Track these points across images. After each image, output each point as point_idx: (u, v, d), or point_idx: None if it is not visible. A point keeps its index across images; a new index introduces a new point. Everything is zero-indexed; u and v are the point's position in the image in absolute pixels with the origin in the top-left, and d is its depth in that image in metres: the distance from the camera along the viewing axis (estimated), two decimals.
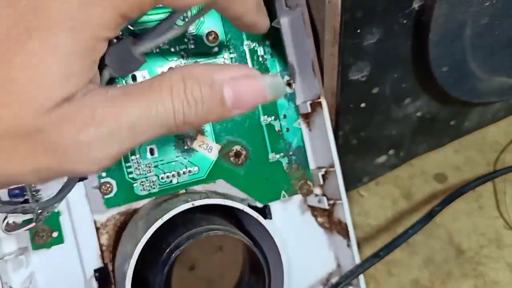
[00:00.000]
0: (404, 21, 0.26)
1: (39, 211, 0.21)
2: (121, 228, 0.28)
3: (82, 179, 0.26)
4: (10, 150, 0.13)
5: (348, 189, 0.36)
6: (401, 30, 0.26)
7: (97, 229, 0.27)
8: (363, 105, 0.30)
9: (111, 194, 0.26)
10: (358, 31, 0.25)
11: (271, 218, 0.29)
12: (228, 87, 0.14)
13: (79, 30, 0.13)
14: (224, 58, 0.28)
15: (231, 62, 0.28)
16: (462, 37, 0.27)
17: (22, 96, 0.13)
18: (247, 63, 0.28)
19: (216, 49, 0.28)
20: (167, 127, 0.14)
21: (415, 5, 0.25)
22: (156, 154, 0.27)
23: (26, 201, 0.23)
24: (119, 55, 0.22)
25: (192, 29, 0.27)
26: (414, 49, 0.28)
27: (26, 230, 0.22)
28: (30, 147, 0.13)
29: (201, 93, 0.14)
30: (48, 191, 0.25)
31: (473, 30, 0.27)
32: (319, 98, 0.29)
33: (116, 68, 0.22)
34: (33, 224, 0.21)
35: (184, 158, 0.27)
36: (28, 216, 0.23)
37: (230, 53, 0.28)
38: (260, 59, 0.29)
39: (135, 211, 0.28)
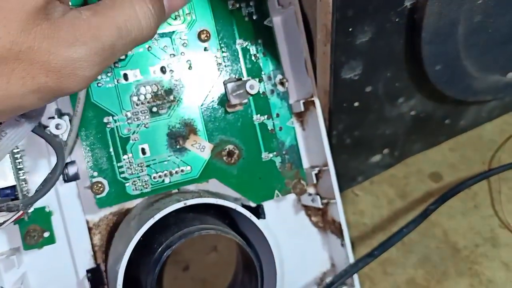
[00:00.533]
0: (397, 20, 0.26)
1: (24, 207, 0.21)
2: (113, 228, 0.28)
3: (74, 179, 0.26)
4: (7, 72, 0.15)
5: (342, 188, 0.36)
6: (394, 28, 0.26)
7: (90, 229, 0.27)
8: (356, 104, 0.30)
9: (103, 194, 0.26)
10: (350, 29, 0.25)
11: (264, 218, 0.29)
12: None
13: None
14: (217, 57, 0.28)
15: (223, 61, 0.28)
16: (455, 35, 0.27)
17: (5, 19, 0.14)
18: (239, 62, 0.28)
19: (208, 47, 0.28)
20: (136, 35, 0.17)
21: (407, 3, 0.25)
22: (148, 154, 0.26)
23: (16, 199, 0.23)
24: None
25: (184, 28, 0.27)
26: (407, 48, 0.28)
27: (13, 220, 0.22)
28: (25, 67, 0.15)
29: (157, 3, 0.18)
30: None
31: (466, 28, 0.27)
32: (312, 97, 0.29)
33: None
34: (20, 212, 0.21)
35: (177, 157, 0.27)
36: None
37: (223, 51, 0.28)
38: (253, 58, 0.28)
39: (127, 211, 0.28)
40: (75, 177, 0.26)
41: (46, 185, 0.22)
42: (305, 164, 0.30)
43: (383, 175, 0.37)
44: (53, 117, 0.24)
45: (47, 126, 0.23)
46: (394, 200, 0.37)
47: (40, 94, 0.16)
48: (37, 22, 0.15)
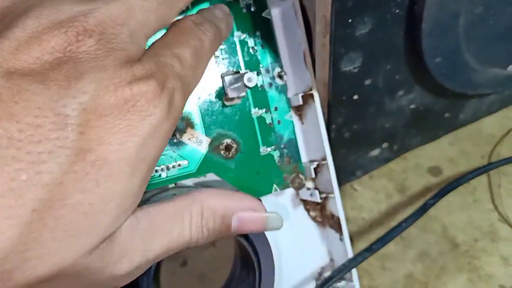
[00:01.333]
0: (397, 11, 0.25)
1: None
2: None
3: None
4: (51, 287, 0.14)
5: (341, 183, 0.36)
6: (394, 20, 0.26)
7: None
8: (355, 97, 0.29)
9: None
10: (350, 20, 0.24)
11: None
12: (236, 217, 0.18)
13: (139, 171, 0.14)
14: None
15: (221, 54, 0.27)
16: (456, 27, 0.27)
17: (76, 239, 0.13)
18: (237, 54, 0.28)
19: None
20: (179, 249, 0.17)
21: None
22: None
23: None
24: None
25: None
26: (407, 40, 0.27)
27: None
28: (69, 283, 0.14)
29: (214, 224, 0.18)
30: None
31: (466, 20, 0.27)
32: (311, 90, 0.29)
33: None
34: None
35: (173, 151, 0.27)
36: None
37: (220, 44, 0.27)
38: (251, 50, 0.28)
39: None
40: None
41: None
42: (304, 158, 0.30)
43: (382, 169, 0.37)
44: None
45: None
46: (393, 194, 0.36)
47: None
48: (103, 243, 0.14)
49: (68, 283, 0.14)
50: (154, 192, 0.27)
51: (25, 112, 0.12)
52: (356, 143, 0.33)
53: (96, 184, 0.13)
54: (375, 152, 0.35)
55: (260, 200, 0.20)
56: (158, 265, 0.29)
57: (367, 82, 0.29)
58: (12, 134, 0.12)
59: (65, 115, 0.13)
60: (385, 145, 0.35)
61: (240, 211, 0.18)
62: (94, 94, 0.13)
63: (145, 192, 0.27)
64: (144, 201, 0.27)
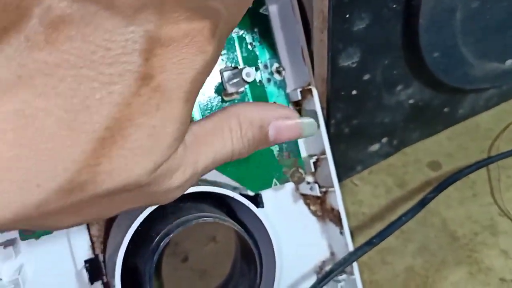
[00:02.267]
0: (394, 6, 0.26)
1: None
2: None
3: None
4: (115, 201, 0.15)
5: (341, 178, 0.36)
6: (391, 14, 0.26)
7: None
8: (354, 92, 0.30)
9: None
10: (347, 16, 0.25)
11: (263, 207, 0.29)
12: (272, 126, 0.19)
13: (190, 100, 0.15)
14: None
15: None
16: (453, 21, 0.27)
17: (141, 157, 0.14)
18: (235, 50, 0.28)
19: None
20: (225, 161, 0.18)
21: None
22: None
23: None
24: None
25: None
26: (404, 35, 0.28)
27: None
28: (133, 197, 0.15)
29: (253, 134, 0.18)
30: None
31: (463, 15, 0.27)
32: (309, 85, 0.29)
33: None
34: None
35: None
36: None
37: None
38: (249, 46, 0.28)
39: None
40: None
41: None
42: (303, 152, 0.30)
43: (381, 164, 0.37)
44: None
45: None
46: (393, 189, 0.36)
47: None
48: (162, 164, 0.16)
49: (131, 196, 0.15)
50: None
51: (96, 34, 0.13)
52: (355, 138, 0.33)
53: (157, 108, 0.14)
54: (375, 147, 0.35)
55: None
56: (159, 260, 0.29)
57: (366, 77, 0.29)
58: (86, 55, 0.13)
59: (133, 40, 0.14)
60: (384, 140, 0.35)
61: (274, 120, 0.19)
62: (158, 24, 0.14)
63: None
64: None
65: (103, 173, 0.14)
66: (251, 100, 0.28)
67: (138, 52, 0.14)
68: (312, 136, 0.21)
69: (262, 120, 0.19)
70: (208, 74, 0.16)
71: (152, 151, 0.15)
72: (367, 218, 0.35)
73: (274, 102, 0.20)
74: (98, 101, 0.13)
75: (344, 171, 0.36)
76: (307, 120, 0.20)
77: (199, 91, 0.16)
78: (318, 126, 0.21)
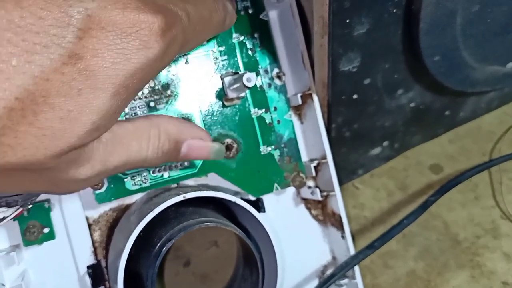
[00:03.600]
0: (394, 10, 0.26)
1: (23, 203, 0.21)
2: (113, 224, 0.28)
3: None
4: (14, 179, 0.14)
5: (342, 181, 0.36)
6: (391, 19, 0.26)
7: (90, 225, 0.27)
8: (355, 96, 0.30)
9: (102, 189, 0.26)
10: (347, 21, 0.25)
11: (264, 211, 0.29)
12: (186, 144, 0.20)
13: (120, 96, 0.15)
14: (213, 52, 0.28)
15: (220, 56, 0.28)
16: (453, 25, 0.27)
17: (49, 140, 0.14)
18: (236, 56, 0.28)
19: (205, 42, 0.27)
20: (135, 166, 0.18)
21: None
22: None
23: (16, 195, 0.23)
24: None
25: None
26: (405, 39, 0.28)
27: (14, 217, 0.22)
28: (33, 178, 0.15)
29: (168, 147, 0.19)
30: None
31: (464, 18, 0.27)
32: (309, 90, 0.29)
33: None
34: (20, 209, 0.21)
35: None
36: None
37: (219, 46, 0.28)
38: (250, 52, 0.28)
39: (127, 206, 0.28)
40: None
41: None
42: (304, 157, 0.30)
43: (383, 167, 0.37)
44: None
45: None
46: (394, 192, 0.36)
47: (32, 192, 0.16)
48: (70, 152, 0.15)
49: (32, 177, 0.15)
50: (157, 192, 0.28)
51: (31, 1, 0.13)
52: (356, 142, 0.33)
53: (78, 92, 0.14)
54: (376, 150, 0.35)
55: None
56: (161, 265, 0.29)
57: (366, 81, 0.29)
58: (13, 18, 0.12)
59: (69, 15, 0.13)
60: (385, 143, 0.35)
61: (190, 138, 0.20)
62: (102, 5, 0.13)
63: (148, 192, 0.28)
64: (148, 200, 0.27)
65: (6, 146, 0.13)
66: (251, 106, 0.28)
67: (72, 28, 0.13)
68: (219, 160, 0.23)
69: (179, 136, 0.19)
70: (150, 76, 0.15)
71: (61, 137, 0.14)
72: (368, 221, 0.35)
73: (191, 122, 0.22)
74: (13, 68, 0.12)
75: (345, 175, 0.36)
76: (217, 146, 0.22)
77: (136, 91, 0.15)
78: (225, 151, 0.24)
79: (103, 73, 0.14)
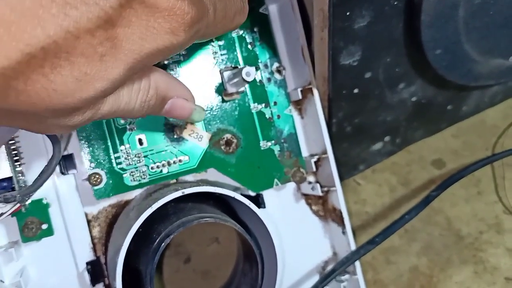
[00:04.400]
0: (395, 3, 0.25)
1: (21, 198, 0.21)
2: (112, 221, 0.28)
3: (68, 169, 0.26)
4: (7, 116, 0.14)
5: (344, 177, 0.36)
6: (393, 11, 0.26)
7: (89, 221, 0.27)
8: (356, 90, 0.29)
9: (101, 185, 0.25)
10: (348, 13, 0.24)
11: (264, 207, 0.29)
12: (171, 101, 0.20)
13: (133, 70, 0.15)
14: (213, 46, 0.27)
15: (219, 50, 0.28)
16: (456, 18, 0.27)
17: (56, 95, 0.14)
18: (235, 50, 0.28)
19: None
20: (121, 115, 0.18)
21: None
22: (145, 144, 0.26)
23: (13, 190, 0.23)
24: None
25: None
26: (406, 32, 0.27)
27: (11, 212, 0.22)
28: (20, 117, 0.14)
29: (154, 102, 0.19)
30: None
31: (466, 11, 0.27)
32: (310, 84, 0.29)
33: None
34: (18, 205, 0.21)
35: (174, 147, 0.27)
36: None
37: (218, 40, 0.27)
38: (249, 46, 0.28)
39: (126, 203, 0.28)
40: (72, 167, 0.26)
41: (42, 176, 0.22)
42: (304, 152, 0.30)
43: (385, 162, 0.37)
44: None
45: None
46: (397, 188, 0.36)
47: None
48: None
49: (20, 116, 0.14)
50: (156, 188, 0.27)
51: None
52: (358, 137, 0.33)
53: (100, 58, 0.14)
54: (378, 145, 0.35)
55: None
56: (160, 262, 0.29)
57: (367, 75, 0.29)
58: None
59: None
60: (387, 138, 0.35)
61: (176, 97, 0.20)
62: None
63: (147, 188, 0.27)
64: (147, 196, 0.27)
65: (13, 89, 0.13)
66: (251, 100, 0.28)
67: None
68: (198, 122, 0.23)
69: (166, 93, 0.19)
70: (163, 58, 0.16)
71: (70, 96, 0.14)
72: (370, 217, 0.35)
73: (178, 80, 0.21)
74: (50, 16, 0.12)
75: (346, 170, 0.35)
76: (199, 108, 0.22)
77: (144, 69, 0.16)
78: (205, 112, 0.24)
79: (128, 46, 0.14)
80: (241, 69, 0.26)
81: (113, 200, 0.27)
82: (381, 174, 0.37)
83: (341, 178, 0.35)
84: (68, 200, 0.26)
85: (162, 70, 0.19)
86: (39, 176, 0.22)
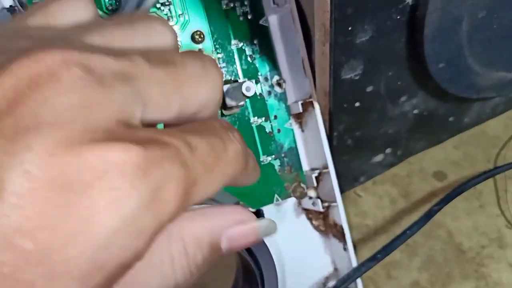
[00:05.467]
0: (398, 17, 0.25)
1: None
2: None
3: None
4: None
5: (344, 189, 0.35)
6: (395, 26, 0.25)
7: None
8: (357, 104, 0.29)
9: None
10: (350, 28, 0.24)
11: None
12: (225, 237, 0.14)
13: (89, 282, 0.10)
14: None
15: (219, 63, 0.27)
16: (459, 31, 0.26)
17: None
18: (235, 63, 0.27)
19: (202, 49, 0.27)
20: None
21: (408, 0, 0.24)
22: None
23: None
24: None
25: (177, 29, 0.26)
26: (409, 46, 0.27)
27: None
28: None
29: (203, 256, 0.14)
30: None
31: (470, 24, 0.26)
32: (310, 97, 0.28)
33: None
34: None
35: None
36: None
37: (217, 53, 0.27)
38: (249, 58, 0.28)
39: None
40: None
41: None
42: (305, 166, 0.30)
43: (386, 174, 0.36)
44: None
45: None
46: (397, 200, 0.36)
47: None
48: None
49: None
50: None
51: None
52: (358, 150, 0.33)
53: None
54: (379, 157, 0.35)
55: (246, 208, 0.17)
56: None
57: (369, 89, 0.28)
58: None
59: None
60: (388, 150, 0.34)
61: (227, 229, 0.14)
62: (44, 154, 0.09)
63: None
64: None
65: None
66: (251, 114, 0.28)
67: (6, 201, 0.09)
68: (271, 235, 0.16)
69: (212, 234, 0.14)
70: (139, 237, 0.11)
71: None
72: (371, 230, 0.35)
73: (222, 205, 0.16)
74: None
75: (347, 182, 0.35)
76: (265, 222, 0.16)
77: (124, 265, 0.11)
78: (275, 228, 0.17)
79: (59, 258, 0.09)
80: (241, 83, 0.25)
81: None
82: (381, 186, 0.36)
83: (341, 190, 0.34)
84: None
85: (191, 212, 0.14)
86: None
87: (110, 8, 0.25)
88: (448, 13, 0.25)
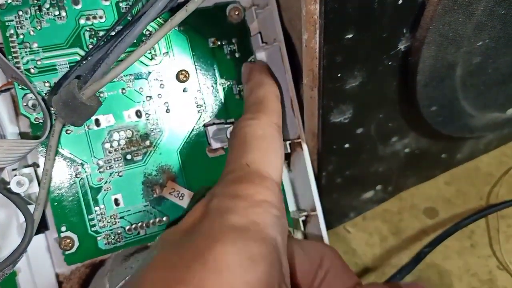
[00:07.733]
0: (389, 63, 0.24)
1: None
2: (86, 281, 0.26)
3: (41, 231, 0.24)
4: None
5: (333, 225, 0.34)
6: (386, 71, 0.24)
7: (60, 283, 0.25)
8: (346, 145, 0.28)
9: (72, 250, 0.24)
10: (339, 75, 0.23)
11: None
12: None
13: None
14: (196, 98, 0.26)
15: (204, 103, 0.26)
16: (453, 77, 0.26)
17: None
18: (221, 102, 0.26)
19: (187, 88, 0.26)
20: None
21: (401, 46, 0.23)
22: (122, 204, 0.25)
23: None
24: (67, 104, 0.20)
25: (161, 68, 0.25)
26: (400, 90, 0.26)
27: None
28: None
29: None
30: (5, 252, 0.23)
31: (464, 70, 0.25)
32: (299, 138, 0.27)
33: (67, 117, 0.20)
34: None
35: (153, 207, 0.25)
36: None
37: (203, 92, 0.26)
38: (237, 97, 0.27)
39: (101, 262, 0.26)
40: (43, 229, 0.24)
41: (16, 252, 0.20)
42: (291, 206, 0.29)
43: (376, 210, 0.35)
44: (15, 169, 0.22)
45: (8, 183, 0.22)
46: (387, 237, 0.35)
47: None
48: None
49: None
50: (132, 251, 0.26)
51: None
52: (348, 188, 0.32)
53: None
54: (369, 194, 0.34)
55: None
56: None
57: (359, 131, 0.27)
58: None
59: None
60: (379, 187, 0.34)
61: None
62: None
63: (122, 250, 0.26)
64: (122, 261, 0.25)
65: None
66: None
67: None
68: None
69: None
70: None
71: None
72: (360, 268, 0.34)
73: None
74: None
75: (336, 218, 0.34)
76: None
77: None
78: None
79: None
80: (227, 127, 0.24)
81: (87, 261, 0.26)
82: (372, 222, 0.35)
83: (331, 226, 0.34)
84: (38, 261, 0.25)
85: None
86: (13, 252, 0.20)
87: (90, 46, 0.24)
88: (442, 60, 0.24)
